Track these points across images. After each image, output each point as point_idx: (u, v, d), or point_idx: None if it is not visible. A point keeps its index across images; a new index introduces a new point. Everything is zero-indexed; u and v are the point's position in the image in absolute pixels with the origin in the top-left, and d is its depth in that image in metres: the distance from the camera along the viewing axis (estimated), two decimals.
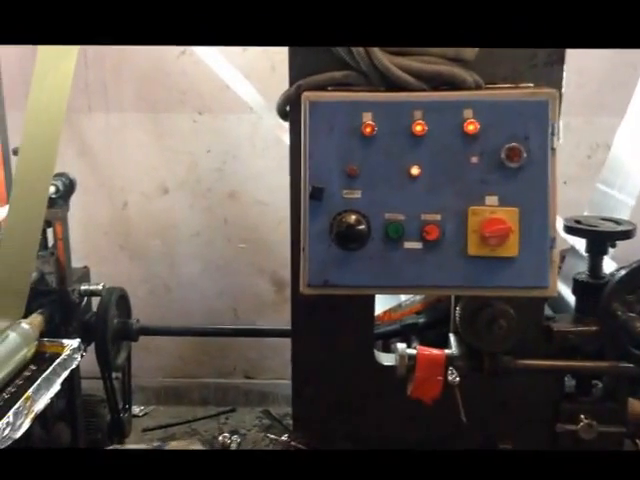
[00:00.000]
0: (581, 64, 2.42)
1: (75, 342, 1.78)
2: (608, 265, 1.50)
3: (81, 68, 2.65)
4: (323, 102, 1.25)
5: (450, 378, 1.31)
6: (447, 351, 1.38)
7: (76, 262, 2.28)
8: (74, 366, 1.75)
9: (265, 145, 2.68)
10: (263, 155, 2.72)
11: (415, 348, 1.39)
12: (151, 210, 2.81)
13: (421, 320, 1.96)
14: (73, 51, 1.70)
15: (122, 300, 2.29)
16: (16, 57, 2.42)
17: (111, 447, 2.26)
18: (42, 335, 1.79)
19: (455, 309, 1.39)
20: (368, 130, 1.23)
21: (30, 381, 1.60)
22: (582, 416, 1.42)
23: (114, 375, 2.30)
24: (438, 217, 1.23)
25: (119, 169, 2.77)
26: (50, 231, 2.08)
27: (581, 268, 1.52)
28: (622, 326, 1.26)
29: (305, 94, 1.27)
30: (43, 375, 1.63)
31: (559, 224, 1.44)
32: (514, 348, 1.36)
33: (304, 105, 1.25)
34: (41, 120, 1.69)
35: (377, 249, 1.24)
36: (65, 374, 1.70)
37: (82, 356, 1.79)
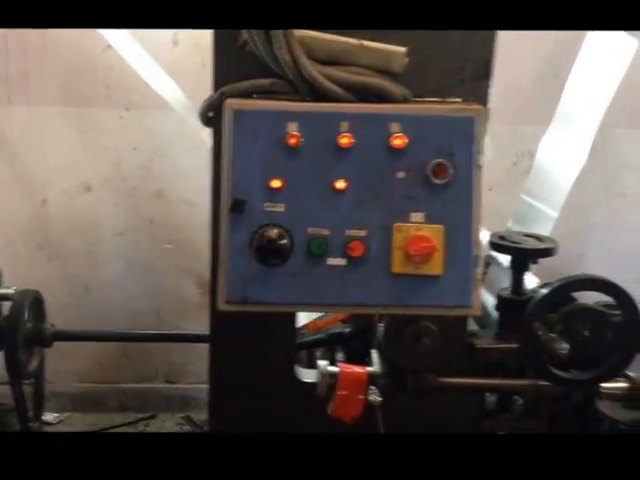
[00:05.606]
0: (509, 76, 2.44)
1: None
2: (530, 280, 1.50)
3: (1, 58, 2.53)
4: (247, 110, 1.20)
5: (371, 398, 1.29)
6: (369, 369, 1.35)
7: None
8: None
9: (195, 143, 2.59)
10: (192, 154, 2.64)
11: (338, 361, 1.36)
12: (72, 208, 2.69)
13: (347, 330, 1.94)
14: None
15: (36, 303, 2.18)
16: None
17: None
18: None
19: (378, 325, 1.36)
20: (293, 141, 1.18)
21: None
22: (502, 433, 1.42)
23: (27, 381, 2.19)
24: (363, 233, 1.20)
25: (39, 165, 2.65)
26: None
27: (504, 277, 1.52)
28: (543, 346, 1.25)
29: (228, 101, 1.21)
30: None
31: (484, 236, 1.43)
32: (436, 365, 1.34)
33: (227, 113, 1.20)
34: None
35: (300, 265, 1.19)
36: None
37: None
